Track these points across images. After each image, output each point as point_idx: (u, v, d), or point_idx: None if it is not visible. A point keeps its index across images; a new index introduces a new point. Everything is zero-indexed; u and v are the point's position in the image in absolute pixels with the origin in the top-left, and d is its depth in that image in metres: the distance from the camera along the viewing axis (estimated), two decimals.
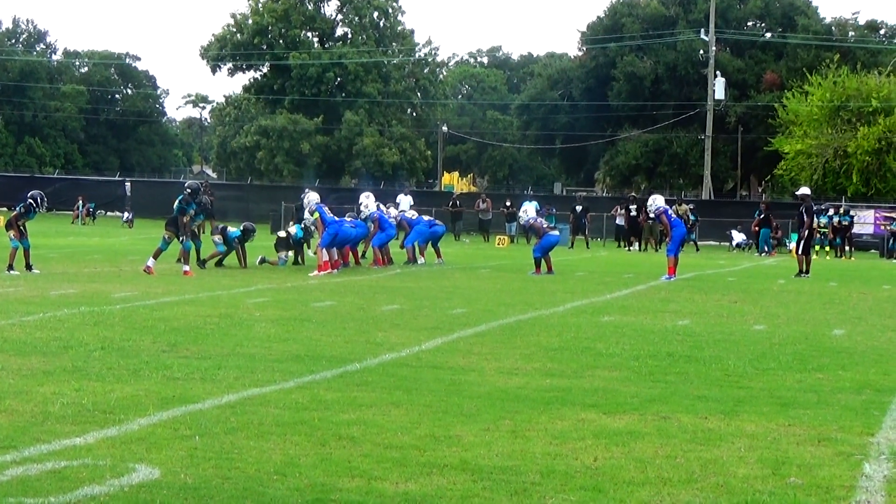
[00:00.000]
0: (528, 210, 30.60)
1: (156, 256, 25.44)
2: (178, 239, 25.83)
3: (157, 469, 7.49)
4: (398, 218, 32.77)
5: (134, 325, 15.27)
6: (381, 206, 31.48)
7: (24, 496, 6.79)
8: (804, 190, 33.10)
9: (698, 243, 51.00)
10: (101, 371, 11.33)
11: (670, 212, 28.80)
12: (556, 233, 30.35)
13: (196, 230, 27.87)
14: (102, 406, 9.55)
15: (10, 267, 24.14)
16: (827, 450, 8.60)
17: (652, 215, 30.98)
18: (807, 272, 30.42)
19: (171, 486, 7.10)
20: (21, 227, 24.68)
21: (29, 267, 24.42)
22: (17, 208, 25.24)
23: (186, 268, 25.36)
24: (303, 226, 29.23)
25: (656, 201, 28.64)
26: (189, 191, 26.68)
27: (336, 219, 27.47)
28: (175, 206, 26.28)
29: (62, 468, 7.46)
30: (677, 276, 27.60)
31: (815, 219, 35.39)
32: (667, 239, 29.64)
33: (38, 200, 25.14)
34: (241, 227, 28.71)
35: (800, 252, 30.91)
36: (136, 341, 13.58)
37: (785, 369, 12.69)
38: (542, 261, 28.76)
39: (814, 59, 72.15)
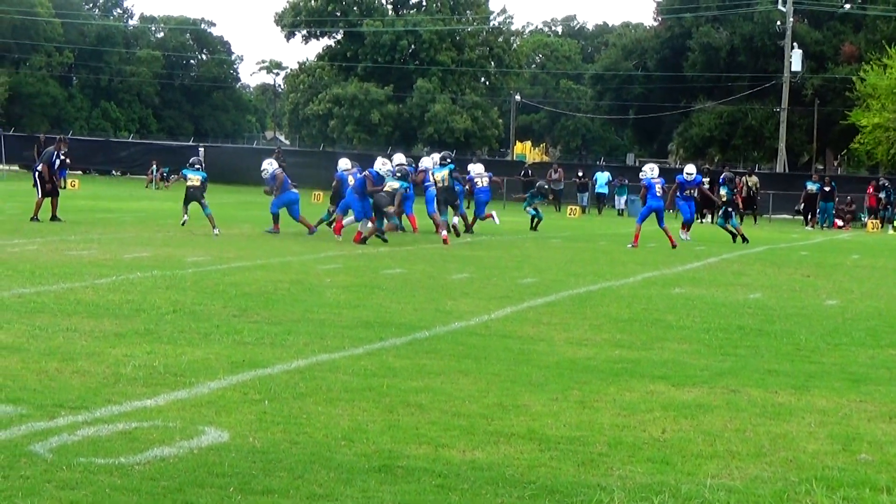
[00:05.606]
0: (647, 171, 29.04)
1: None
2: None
3: (226, 432, 7.54)
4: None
5: (205, 289, 15.38)
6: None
7: (95, 456, 6.87)
8: None
9: (757, 217, 50.60)
10: (172, 334, 11.43)
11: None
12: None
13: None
14: (173, 369, 9.63)
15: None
16: None
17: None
18: None
19: (240, 450, 7.15)
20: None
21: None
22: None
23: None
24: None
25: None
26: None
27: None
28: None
29: (133, 429, 7.54)
30: (686, 236, 27.53)
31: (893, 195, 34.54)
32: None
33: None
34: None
35: None
36: (208, 305, 13.68)
37: (857, 345, 12.56)
38: (665, 232, 28.32)
39: (893, 31, 70.98)
